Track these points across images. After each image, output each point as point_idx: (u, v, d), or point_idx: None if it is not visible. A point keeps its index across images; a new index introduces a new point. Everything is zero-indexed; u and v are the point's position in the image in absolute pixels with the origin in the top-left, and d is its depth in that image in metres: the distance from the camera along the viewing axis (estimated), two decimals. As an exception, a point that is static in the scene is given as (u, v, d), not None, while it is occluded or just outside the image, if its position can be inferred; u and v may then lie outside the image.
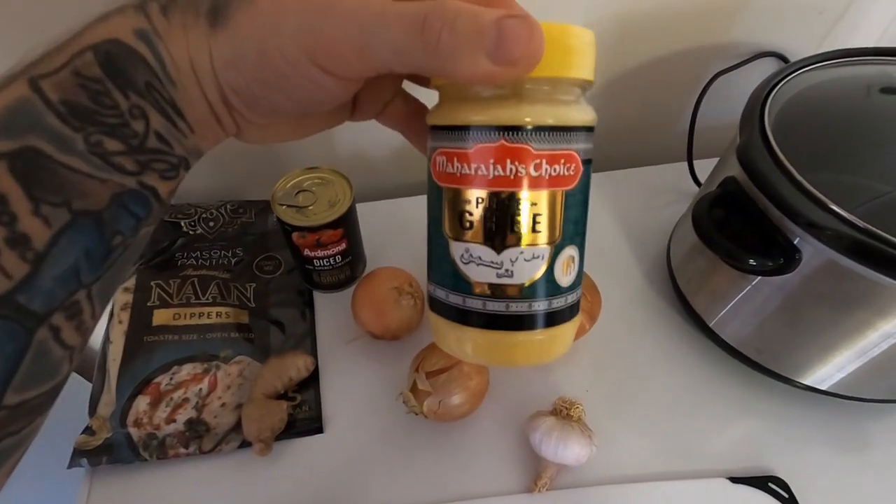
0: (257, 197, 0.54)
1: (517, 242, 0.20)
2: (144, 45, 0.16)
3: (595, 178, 0.59)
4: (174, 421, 0.39)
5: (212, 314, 0.44)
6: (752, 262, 0.35)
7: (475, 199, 0.20)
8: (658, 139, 0.64)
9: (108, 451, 0.38)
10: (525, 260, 0.20)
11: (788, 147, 0.35)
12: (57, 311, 0.15)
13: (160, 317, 0.43)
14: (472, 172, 0.19)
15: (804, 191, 0.32)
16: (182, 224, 0.51)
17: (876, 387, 0.40)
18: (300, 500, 0.38)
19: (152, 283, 0.45)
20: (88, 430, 0.38)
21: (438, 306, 0.23)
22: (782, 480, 0.38)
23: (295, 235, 0.42)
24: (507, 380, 0.43)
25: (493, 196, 0.19)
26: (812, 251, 0.33)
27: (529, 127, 0.19)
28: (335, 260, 0.45)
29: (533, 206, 0.19)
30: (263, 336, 0.45)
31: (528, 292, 0.21)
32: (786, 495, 0.38)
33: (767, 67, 0.56)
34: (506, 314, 0.21)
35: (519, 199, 0.19)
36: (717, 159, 0.44)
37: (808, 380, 0.41)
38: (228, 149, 0.53)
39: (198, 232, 0.51)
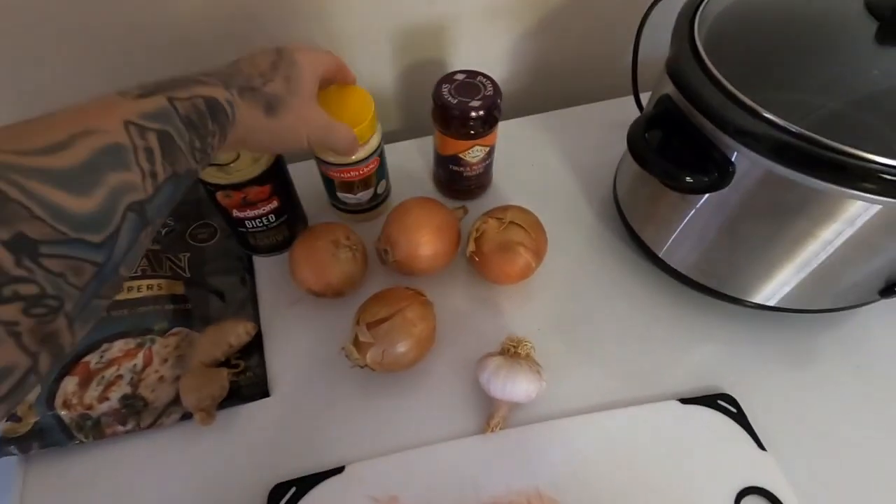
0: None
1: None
2: (229, 108, 0.28)
3: (542, 117, 0.58)
4: (108, 399, 0.37)
5: (142, 287, 0.42)
6: (688, 179, 0.34)
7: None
8: (605, 75, 0.62)
9: (38, 437, 0.36)
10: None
11: (721, 59, 0.33)
12: (150, 225, 0.23)
13: (85, 294, 0.40)
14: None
15: (733, 98, 0.31)
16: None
17: (821, 297, 0.40)
18: (250, 466, 0.37)
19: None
20: (14, 418, 0.36)
21: None
22: (731, 397, 0.39)
23: (219, 195, 0.39)
24: (455, 325, 0.42)
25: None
26: (745, 162, 0.32)
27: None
28: (268, 220, 0.43)
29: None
30: (202, 305, 0.43)
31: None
32: (734, 411, 0.38)
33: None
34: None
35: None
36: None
37: (757, 298, 0.41)
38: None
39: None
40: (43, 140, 0.19)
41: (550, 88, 0.62)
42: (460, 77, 0.44)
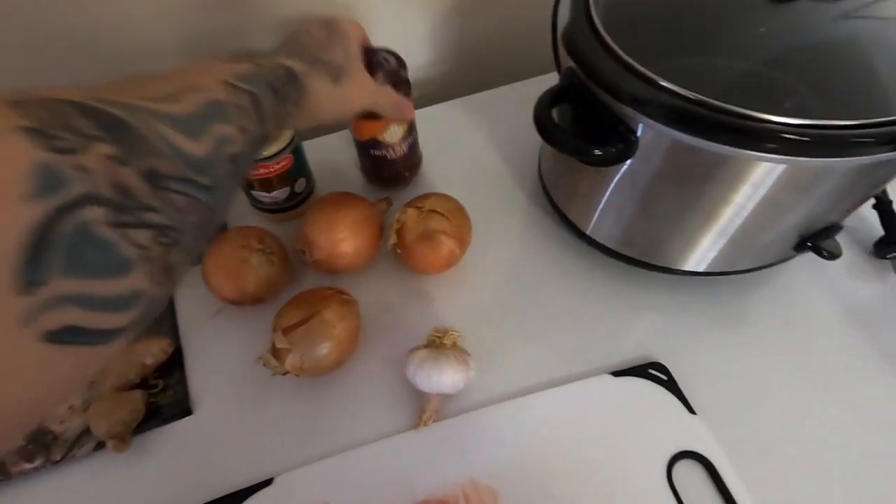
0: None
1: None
2: (303, 76, 0.29)
3: (468, 100, 0.57)
4: (9, 436, 0.34)
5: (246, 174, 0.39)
6: (596, 151, 0.33)
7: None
8: (528, 53, 0.61)
9: (-69, 485, 0.33)
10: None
11: (617, 29, 0.33)
12: (242, 176, 0.26)
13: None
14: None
15: (629, 68, 0.30)
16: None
17: (743, 258, 0.41)
18: (175, 489, 0.35)
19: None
20: None
21: None
22: (661, 365, 0.39)
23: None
24: (384, 321, 0.41)
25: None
26: (648, 132, 0.32)
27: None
28: (178, 229, 0.40)
29: None
30: (142, 328, 0.41)
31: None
32: (665, 378, 0.38)
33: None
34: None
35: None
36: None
37: (684, 265, 0.41)
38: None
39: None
40: (161, 90, 0.21)
41: (475, 70, 0.61)
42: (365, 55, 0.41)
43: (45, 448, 0.35)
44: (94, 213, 0.16)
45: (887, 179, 0.36)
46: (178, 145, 0.19)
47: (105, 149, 0.17)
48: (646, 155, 0.34)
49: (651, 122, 0.31)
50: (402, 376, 0.38)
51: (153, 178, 0.18)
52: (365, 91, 0.35)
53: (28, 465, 0.34)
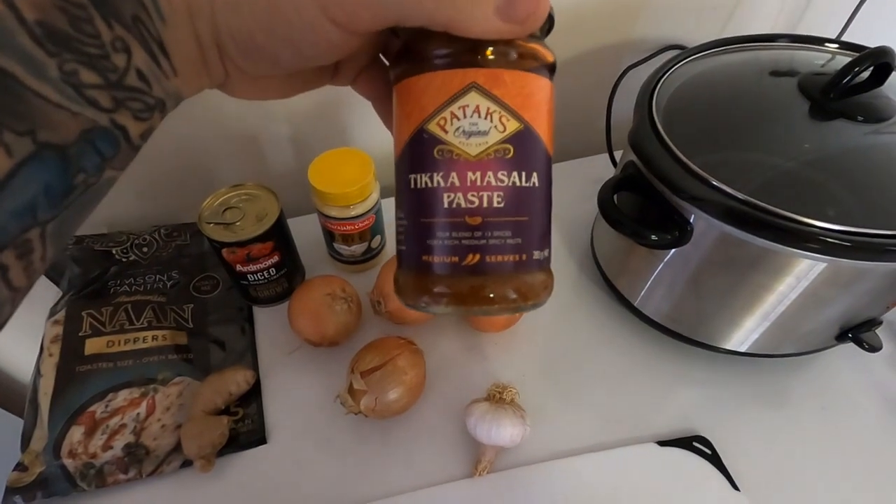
0: (191, 219, 0.54)
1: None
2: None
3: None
4: (111, 447, 0.38)
5: (147, 338, 0.44)
6: (653, 237, 0.38)
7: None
8: (584, 134, 0.67)
9: (42, 486, 0.37)
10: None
11: (677, 129, 0.38)
12: (7, 249, 0.13)
13: (93, 346, 0.43)
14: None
15: (686, 168, 0.35)
16: (114, 252, 0.50)
17: (786, 343, 0.43)
18: (247, 513, 0.38)
19: (83, 313, 0.44)
20: (20, 467, 0.37)
21: None
22: (705, 439, 0.41)
23: (225, 252, 0.43)
24: (444, 372, 0.45)
25: None
26: (701, 223, 0.36)
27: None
28: (269, 273, 0.46)
29: None
30: (203, 355, 0.45)
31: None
32: (709, 452, 0.40)
33: (672, 60, 0.61)
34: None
35: None
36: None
37: (728, 344, 0.44)
38: (156, 172, 0.53)
39: (131, 259, 0.50)
40: None
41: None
42: None
43: (139, 461, 0.39)
44: None
45: (925, 282, 0.39)
46: None
47: None
48: (697, 241, 0.38)
49: (705, 215, 0.35)
50: (460, 426, 0.41)
51: None
52: None
53: (122, 476, 0.38)
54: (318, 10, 0.16)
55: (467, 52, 0.17)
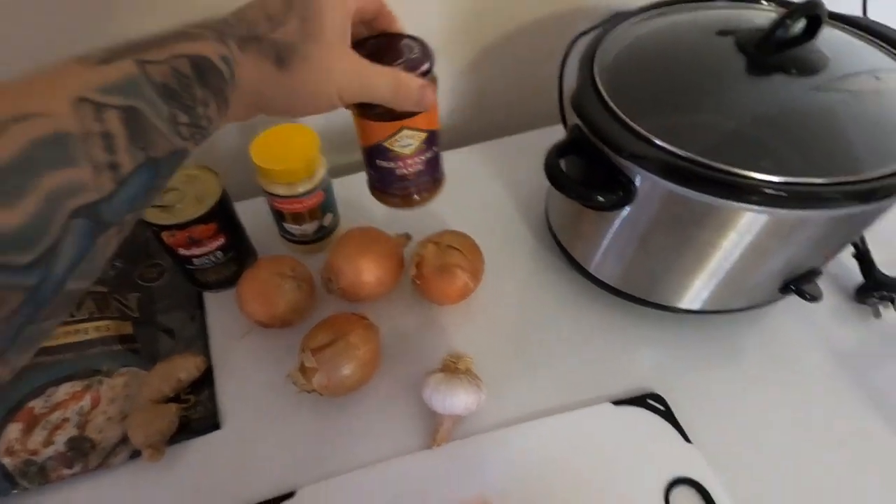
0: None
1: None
2: (225, 65, 0.24)
3: (481, 147, 0.62)
4: (53, 443, 0.37)
5: (89, 330, 0.42)
6: (599, 198, 0.38)
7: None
8: (539, 105, 0.67)
9: (-22, 486, 0.35)
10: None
11: (618, 90, 0.38)
12: (114, 226, 0.19)
13: (29, 340, 0.41)
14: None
15: (627, 127, 0.35)
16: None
17: (735, 298, 0.44)
18: (202, 498, 0.37)
19: (18, 307, 0.42)
20: (-47, 467, 0.36)
21: None
22: (659, 396, 0.42)
23: (165, 235, 0.41)
24: (401, 346, 0.44)
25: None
26: (645, 182, 0.36)
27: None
28: (216, 257, 0.44)
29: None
30: (151, 344, 0.44)
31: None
32: (662, 408, 0.41)
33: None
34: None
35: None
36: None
37: (681, 303, 0.44)
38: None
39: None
40: None
41: (488, 120, 0.67)
42: (379, 41, 0.33)
43: (84, 455, 0.37)
44: None
45: (859, 230, 0.40)
46: None
47: None
48: (643, 202, 0.38)
49: (647, 174, 0.35)
50: (417, 399, 0.41)
51: None
52: (341, 76, 0.27)
53: (67, 471, 0.37)
54: (336, 97, 0.28)
55: (400, 114, 0.32)
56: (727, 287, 0.42)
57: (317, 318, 0.42)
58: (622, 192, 0.37)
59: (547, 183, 0.54)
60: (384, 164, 0.35)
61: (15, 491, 0.36)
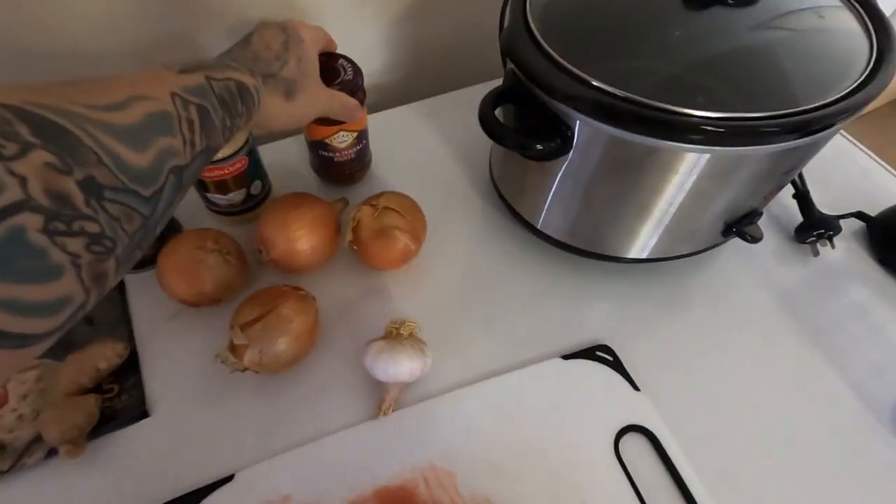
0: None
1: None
2: (255, 91, 0.31)
3: (421, 104, 0.59)
4: (-45, 448, 0.33)
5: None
6: (537, 146, 0.36)
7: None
8: (479, 58, 0.64)
9: None
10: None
11: (551, 33, 0.35)
12: (184, 189, 0.25)
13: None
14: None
15: (562, 69, 0.33)
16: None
17: (680, 244, 0.44)
18: (134, 491, 0.35)
19: None
20: None
21: None
22: (607, 347, 0.41)
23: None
24: (343, 316, 0.42)
25: None
26: (584, 127, 0.34)
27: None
28: (131, 233, 0.40)
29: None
30: (66, 334, 0.40)
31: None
32: (611, 359, 0.41)
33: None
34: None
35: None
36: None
37: (629, 253, 0.44)
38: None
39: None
40: (106, 98, 0.21)
41: (428, 76, 0.63)
42: (320, 60, 0.43)
43: (-6, 458, 0.34)
44: (28, 220, 0.16)
45: (798, 167, 0.40)
46: (119, 155, 0.20)
47: (42, 156, 0.17)
48: (584, 149, 0.36)
49: (585, 118, 0.34)
50: (361, 369, 0.39)
51: (91, 188, 0.18)
52: (318, 101, 0.37)
53: (-25, 477, 0.33)
54: (313, 116, 0.38)
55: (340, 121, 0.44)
56: (672, 233, 0.42)
57: (246, 293, 0.39)
58: (560, 140, 0.35)
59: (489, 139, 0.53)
60: (325, 153, 0.47)
61: (-86, 503, 0.33)
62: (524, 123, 0.39)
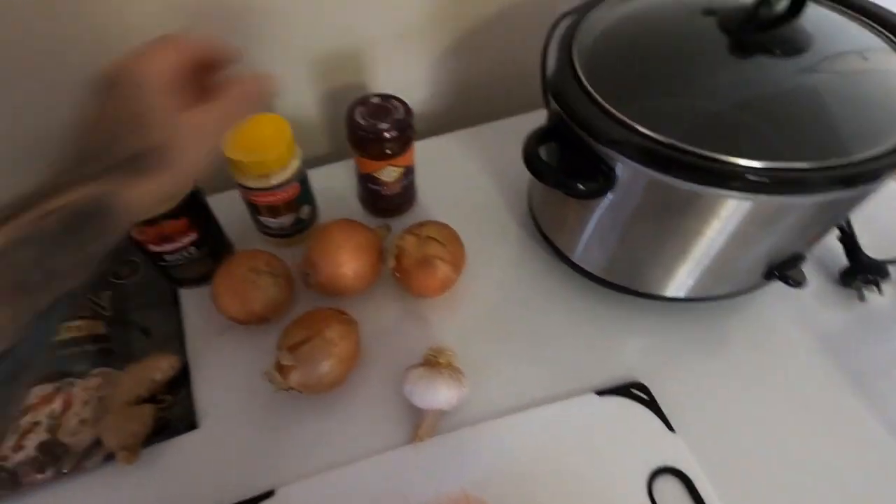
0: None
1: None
2: (98, 202, 0.23)
3: (463, 134, 0.61)
4: (23, 447, 0.36)
5: (61, 330, 0.41)
6: (579, 186, 0.37)
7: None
8: (521, 90, 0.65)
9: (-53, 493, 0.34)
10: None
11: (597, 74, 0.36)
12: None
13: (-3, 343, 0.39)
14: None
15: (606, 113, 0.34)
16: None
17: (719, 285, 0.43)
18: (180, 500, 0.37)
19: (-15, 309, 0.41)
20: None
21: None
22: (643, 385, 0.41)
23: (135, 231, 0.39)
24: (382, 341, 0.44)
25: None
26: (626, 169, 0.35)
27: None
28: (189, 253, 0.43)
29: None
30: (125, 343, 0.43)
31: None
32: (646, 398, 0.41)
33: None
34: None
35: None
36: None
37: (665, 292, 0.44)
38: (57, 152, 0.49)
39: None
40: None
41: (470, 106, 0.65)
42: (374, 100, 0.45)
43: (56, 459, 0.36)
44: None
45: (843, 215, 0.39)
46: None
47: None
48: (625, 190, 0.37)
49: (627, 161, 0.34)
50: (399, 394, 0.40)
51: None
52: (196, 137, 0.26)
53: (39, 476, 0.36)
54: (203, 155, 0.27)
55: (385, 156, 0.46)
56: (711, 274, 0.41)
57: (295, 315, 0.41)
58: (603, 180, 0.36)
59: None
60: (373, 186, 0.49)
61: (-14, 498, 0.35)
62: (566, 161, 0.40)
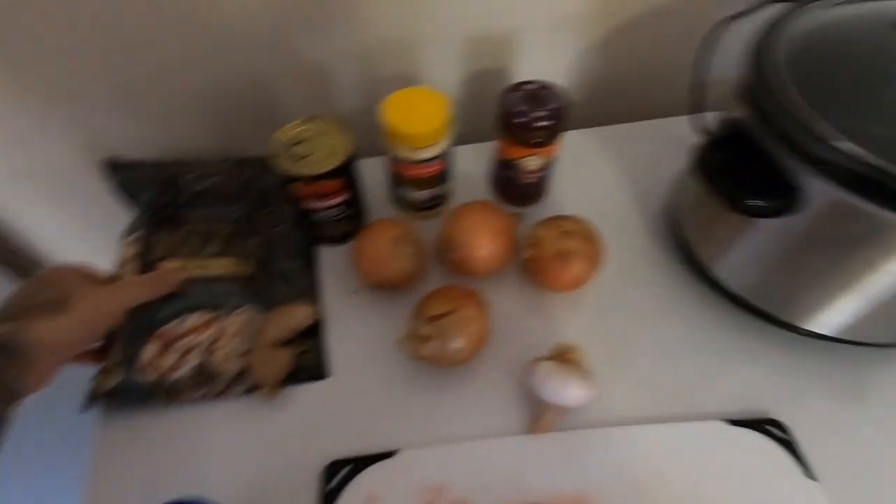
0: (260, 153, 0.54)
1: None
2: (10, 336, 0.32)
3: (601, 130, 0.59)
4: (181, 367, 0.40)
5: (217, 266, 0.45)
6: (761, 203, 0.34)
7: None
8: (667, 92, 0.62)
9: (118, 395, 0.39)
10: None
11: (795, 85, 0.34)
12: None
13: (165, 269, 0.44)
14: None
15: (809, 126, 0.31)
16: (186, 179, 0.50)
17: (879, 330, 0.40)
18: (307, 442, 0.39)
19: (157, 237, 0.45)
20: (100, 374, 0.39)
21: None
22: (780, 423, 0.39)
23: (295, 186, 0.42)
24: (507, 328, 0.44)
25: None
26: (816, 190, 0.33)
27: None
28: (336, 211, 0.45)
29: None
30: (268, 287, 0.46)
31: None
32: (783, 437, 0.38)
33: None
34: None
35: None
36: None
37: (811, 325, 0.41)
38: (227, 103, 0.53)
39: (203, 187, 0.50)
40: None
41: (611, 103, 0.63)
42: (530, 87, 0.45)
43: (209, 380, 0.40)
44: None
45: None
46: None
47: None
48: (804, 210, 0.34)
49: (824, 182, 0.32)
50: (516, 382, 0.41)
51: None
52: (97, 296, 0.37)
53: (194, 393, 0.40)
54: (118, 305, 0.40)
55: (533, 143, 0.46)
56: (877, 317, 0.38)
57: (423, 287, 0.42)
58: (785, 200, 0.33)
59: (669, 176, 0.51)
60: (510, 173, 0.49)
61: (146, 404, 0.39)
62: (734, 172, 0.38)
